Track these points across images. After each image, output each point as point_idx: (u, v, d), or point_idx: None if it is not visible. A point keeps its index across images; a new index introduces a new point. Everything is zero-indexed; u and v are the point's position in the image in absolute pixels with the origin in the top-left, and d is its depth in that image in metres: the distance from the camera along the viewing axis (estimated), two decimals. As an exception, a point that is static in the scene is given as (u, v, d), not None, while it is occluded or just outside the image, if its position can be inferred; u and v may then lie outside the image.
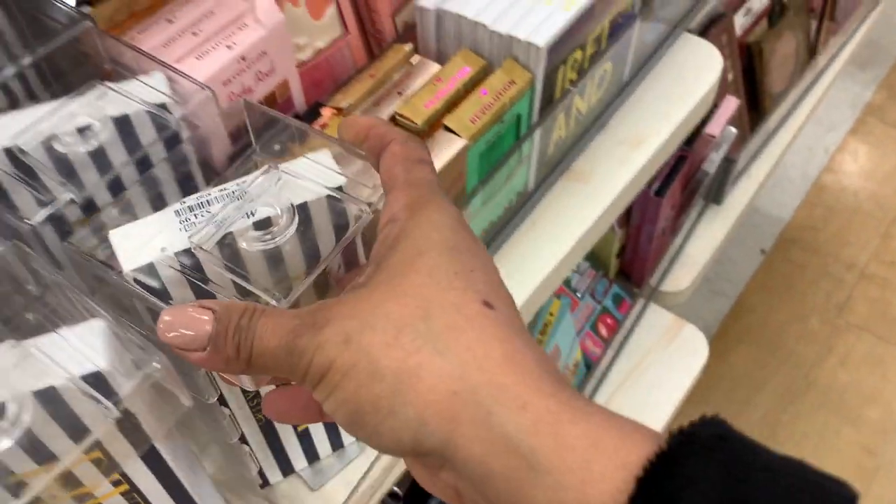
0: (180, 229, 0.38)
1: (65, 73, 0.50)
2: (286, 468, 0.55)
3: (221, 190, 0.39)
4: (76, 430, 0.34)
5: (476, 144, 0.58)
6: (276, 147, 0.44)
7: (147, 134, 0.44)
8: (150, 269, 0.37)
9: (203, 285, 0.37)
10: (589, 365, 1.11)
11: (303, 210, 0.38)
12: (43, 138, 0.42)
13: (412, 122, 0.58)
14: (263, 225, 0.38)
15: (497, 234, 0.68)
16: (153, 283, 0.37)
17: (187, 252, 0.37)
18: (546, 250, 0.69)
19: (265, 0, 0.54)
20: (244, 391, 0.47)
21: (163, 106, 0.43)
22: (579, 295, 1.15)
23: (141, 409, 0.34)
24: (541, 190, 0.71)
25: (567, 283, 1.16)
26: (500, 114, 0.59)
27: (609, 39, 0.70)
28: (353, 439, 0.57)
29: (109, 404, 0.32)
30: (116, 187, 0.43)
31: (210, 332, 0.29)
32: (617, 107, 0.78)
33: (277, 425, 0.51)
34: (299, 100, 0.60)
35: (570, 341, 1.05)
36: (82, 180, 0.43)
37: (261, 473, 0.54)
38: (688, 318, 1.25)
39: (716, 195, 1.30)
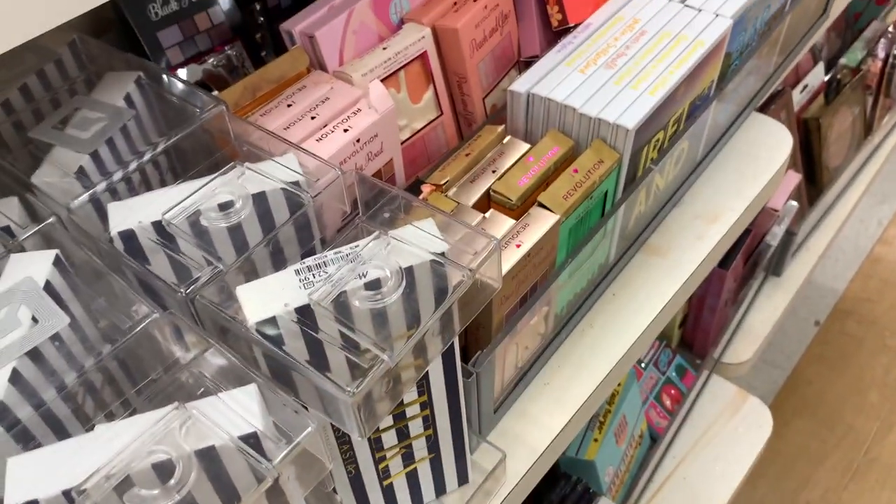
0: (300, 287, 0.41)
1: (194, 152, 0.54)
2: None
3: (336, 252, 0.43)
4: (228, 491, 0.37)
5: (567, 220, 0.61)
6: (386, 215, 0.48)
7: (281, 209, 0.47)
8: (272, 322, 0.40)
9: (315, 335, 0.40)
10: (654, 437, 1.11)
11: (409, 273, 0.42)
12: (189, 214, 0.45)
13: (507, 198, 0.61)
14: (374, 285, 0.41)
15: (581, 304, 0.70)
16: (273, 334, 0.40)
17: (306, 307, 0.40)
18: (629, 323, 0.70)
19: (378, 88, 0.58)
20: (336, 436, 0.49)
21: (296, 184, 0.47)
22: (643, 365, 1.16)
23: (291, 472, 0.37)
24: (620, 262, 0.73)
25: (630, 352, 1.16)
26: (589, 191, 0.62)
27: (687, 120, 0.73)
28: (434, 497, 0.59)
29: (269, 465, 0.35)
30: (251, 257, 0.46)
31: None
32: (691, 183, 0.81)
33: (365, 478, 0.53)
34: (401, 176, 0.63)
35: (637, 411, 1.06)
36: (219, 251, 0.47)
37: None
38: (744, 389, 1.24)
39: (776, 267, 1.31)
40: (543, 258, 0.60)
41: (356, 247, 0.43)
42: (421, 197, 0.61)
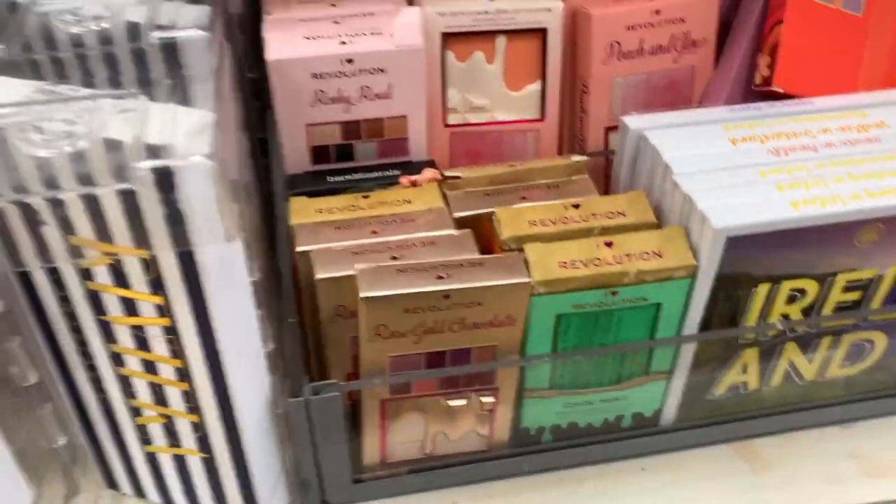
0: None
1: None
2: (137, 487, 0.46)
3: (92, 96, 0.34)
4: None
5: (554, 298, 0.41)
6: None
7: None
8: None
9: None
10: None
11: (111, 144, 0.31)
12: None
13: (499, 232, 0.43)
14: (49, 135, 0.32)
15: (578, 445, 0.48)
16: None
17: None
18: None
19: (411, 16, 0.45)
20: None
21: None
22: None
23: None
24: (679, 436, 0.49)
25: None
26: (613, 281, 0.41)
27: (887, 302, 0.46)
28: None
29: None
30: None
31: None
32: (882, 411, 0.51)
33: (119, 418, 0.42)
34: (418, 148, 0.49)
35: None
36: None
37: (109, 471, 0.45)
38: None
39: None
40: (486, 323, 0.41)
41: (96, 98, 0.32)
42: (411, 178, 0.47)
